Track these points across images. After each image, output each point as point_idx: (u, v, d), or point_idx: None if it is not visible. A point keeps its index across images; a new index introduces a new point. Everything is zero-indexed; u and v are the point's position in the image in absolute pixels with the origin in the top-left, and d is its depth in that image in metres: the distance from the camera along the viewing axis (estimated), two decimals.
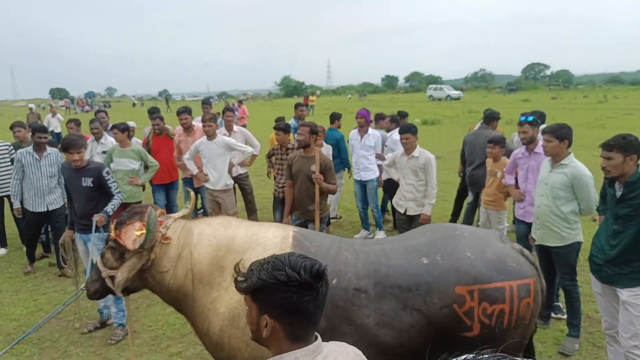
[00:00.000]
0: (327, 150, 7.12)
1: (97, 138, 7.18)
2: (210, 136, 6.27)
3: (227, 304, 2.57)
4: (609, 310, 3.57)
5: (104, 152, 7.13)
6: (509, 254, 2.56)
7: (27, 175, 6.01)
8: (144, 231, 2.67)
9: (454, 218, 8.16)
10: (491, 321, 2.46)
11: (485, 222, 6.21)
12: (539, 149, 5.03)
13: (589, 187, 3.94)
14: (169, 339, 4.72)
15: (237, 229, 2.74)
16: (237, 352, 2.56)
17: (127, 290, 2.87)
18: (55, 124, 14.44)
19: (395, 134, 7.39)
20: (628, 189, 3.26)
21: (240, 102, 20.84)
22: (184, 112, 7.22)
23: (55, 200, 6.20)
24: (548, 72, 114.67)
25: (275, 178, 6.66)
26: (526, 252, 2.66)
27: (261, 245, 2.64)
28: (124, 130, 6.59)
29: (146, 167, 6.70)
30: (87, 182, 4.66)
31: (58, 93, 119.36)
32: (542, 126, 5.54)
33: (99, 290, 2.89)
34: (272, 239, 2.67)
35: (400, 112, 9.32)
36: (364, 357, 1.52)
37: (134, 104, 57.39)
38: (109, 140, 7.18)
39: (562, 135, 4.00)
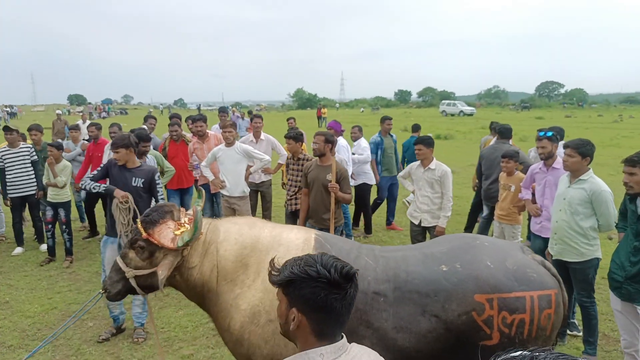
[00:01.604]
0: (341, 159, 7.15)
1: None
2: (229, 143, 6.32)
3: (249, 301, 2.61)
4: (628, 328, 3.53)
5: None
6: (529, 264, 2.56)
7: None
8: (186, 229, 2.73)
9: (467, 232, 8.12)
10: (511, 330, 2.45)
11: (499, 236, 6.16)
12: (557, 164, 5.01)
13: (608, 203, 3.92)
14: (181, 341, 4.74)
15: (261, 229, 2.79)
16: (257, 348, 2.59)
17: (147, 289, 2.89)
18: (86, 131, 13.72)
19: (363, 142, 8.06)
20: None
21: (250, 112, 20.66)
22: (199, 119, 7.30)
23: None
24: (562, 91, 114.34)
25: (287, 190, 6.62)
26: (547, 263, 2.65)
27: (284, 245, 2.68)
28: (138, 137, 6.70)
29: (162, 173, 6.78)
30: (138, 182, 4.62)
31: (76, 99, 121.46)
32: (561, 142, 5.52)
33: (122, 291, 2.91)
34: (294, 240, 2.71)
35: (414, 125, 9.77)
36: None
37: (149, 112, 58.10)
38: None
39: (585, 152, 3.99)
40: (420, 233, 5.90)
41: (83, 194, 7.82)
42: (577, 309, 4.48)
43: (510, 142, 7.82)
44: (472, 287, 2.46)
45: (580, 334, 4.54)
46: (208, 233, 2.79)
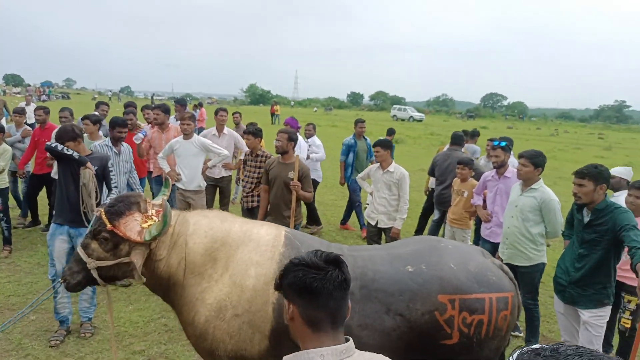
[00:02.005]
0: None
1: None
2: (187, 135, 6.18)
3: (215, 295, 2.58)
4: (569, 329, 3.77)
5: None
6: (490, 267, 2.68)
7: None
8: (154, 222, 2.65)
9: (417, 234, 8.37)
10: (470, 330, 2.55)
11: (450, 239, 6.40)
12: (509, 172, 5.28)
13: (556, 211, 4.17)
14: (132, 336, 4.59)
15: (232, 224, 2.77)
16: (220, 343, 2.57)
17: (109, 280, 2.79)
18: (30, 113, 10.86)
19: (316, 140, 8.57)
20: (595, 215, 3.48)
21: (199, 105, 20.17)
22: (158, 107, 7.08)
23: None
24: (505, 103, 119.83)
25: (243, 186, 6.54)
26: (505, 267, 2.79)
27: (254, 241, 2.67)
28: (95, 122, 6.42)
29: None
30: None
31: (12, 79, 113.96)
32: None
33: (82, 282, 2.79)
34: (265, 236, 2.71)
35: (389, 129, 10.84)
36: None
37: (93, 98, 55.43)
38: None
39: (538, 162, 4.23)
40: (376, 234, 6.02)
41: (22, 186, 7.37)
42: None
43: (462, 149, 8.16)
44: (436, 287, 2.55)
45: (522, 334, 4.80)
46: (177, 225, 2.73)
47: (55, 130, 5.43)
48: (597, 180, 3.43)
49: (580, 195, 3.50)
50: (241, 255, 2.61)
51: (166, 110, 7.03)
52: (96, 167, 4.48)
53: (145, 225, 2.65)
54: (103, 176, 4.56)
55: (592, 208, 3.51)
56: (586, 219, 3.56)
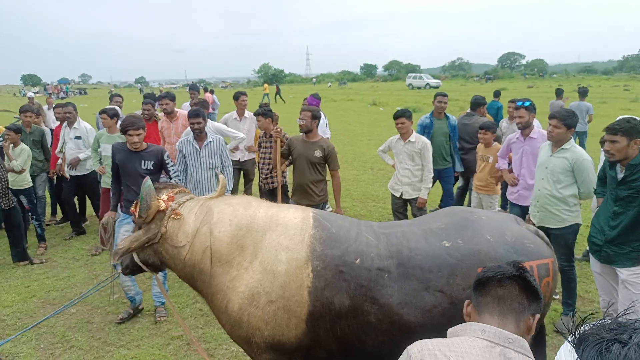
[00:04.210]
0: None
1: (70, 123, 7.03)
2: None
3: (246, 282, 2.56)
4: (607, 289, 3.69)
5: (77, 138, 6.99)
6: (526, 235, 2.60)
7: (187, 167, 5.37)
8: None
9: (443, 203, 8.29)
10: None
11: (477, 206, 6.31)
12: (534, 133, 5.13)
13: (589, 171, 4.04)
14: (169, 323, 4.69)
15: (257, 209, 2.74)
16: (257, 330, 2.56)
17: (151, 267, 2.93)
18: (52, 117, 9.87)
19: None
20: (630, 171, 3.35)
21: (208, 90, 19.82)
22: (165, 97, 7.05)
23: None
24: (523, 62, 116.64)
25: (260, 168, 6.52)
26: (541, 233, 2.70)
27: (282, 225, 2.64)
28: (113, 116, 6.47)
29: None
30: (148, 165, 4.60)
31: (30, 79, 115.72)
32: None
33: (129, 265, 2.97)
34: (292, 219, 2.67)
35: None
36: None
37: (110, 91, 55.95)
38: (82, 125, 7.06)
39: (570, 123, 4.08)
40: (401, 205, 5.98)
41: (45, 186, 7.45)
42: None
43: (481, 113, 7.97)
44: (475, 261, 2.48)
45: (557, 297, 4.73)
46: (199, 213, 2.75)
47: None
48: (630, 134, 3.29)
49: (614, 152, 3.36)
50: (269, 241, 2.59)
51: (173, 98, 7.03)
52: (153, 162, 4.64)
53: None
54: (160, 169, 4.72)
55: (625, 164, 3.38)
56: (620, 176, 3.44)
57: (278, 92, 36.44)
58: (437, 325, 2.42)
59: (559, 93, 13.20)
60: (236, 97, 7.49)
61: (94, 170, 7.01)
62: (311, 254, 2.53)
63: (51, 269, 6.05)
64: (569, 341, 0.90)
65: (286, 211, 2.75)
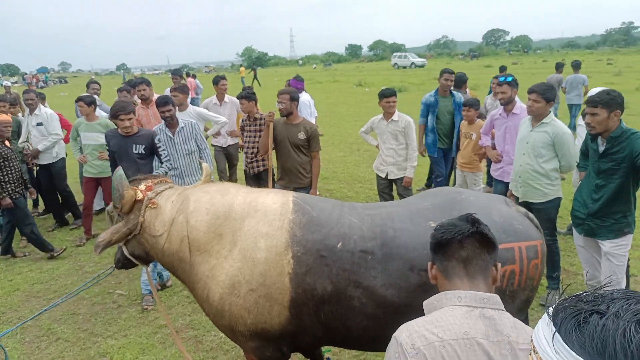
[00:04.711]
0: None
1: (32, 110, 6.88)
2: (180, 106, 6.06)
3: (226, 271, 2.51)
4: (590, 261, 3.73)
5: (38, 124, 6.85)
6: (515, 216, 2.54)
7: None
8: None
9: (429, 182, 8.31)
10: (502, 282, 2.41)
11: (462, 184, 6.33)
12: (517, 109, 5.12)
13: (569, 144, 4.05)
14: (156, 311, 4.66)
15: (235, 196, 2.68)
16: (239, 319, 2.53)
17: (140, 259, 2.94)
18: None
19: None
20: (611, 143, 3.35)
21: (190, 75, 19.43)
22: (142, 82, 6.91)
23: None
24: (508, 38, 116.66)
25: (245, 152, 6.44)
26: (531, 215, 2.64)
27: (260, 211, 2.58)
28: (90, 104, 6.35)
29: None
30: (139, 149, 4.70)
31: (8, 69, 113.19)
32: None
33: (120, 259, 2.99)
34: (271, 205, 2.61)
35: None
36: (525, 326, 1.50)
37: (91, 79, 55.06)
38: (43, 112, 6.93)
39: (549, 97, 4.07)
40: (387, 186, 5.96)
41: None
42: None
43: (467, 90, 7.97)
44: None
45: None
46: (175, 202, 2.73)
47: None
48: (610, 106, 3.28)
49: (594, 124, 3.35)
50: (248, 228, 2.54)
51: (149, 84, 6.90)
52: (144, 146, 4.74)
53: None
54: (151, 152, 4.83)
55: (607, 136, 3.38)
56: (601, 148, 3.44)
57: (255, 76, 36.32)
58: (421, 305, 2.41)
59: (558, 67, 13.25)
60: (215, 81, 7.37)
61: (63, 158, 6.93)
62: (291, 240, 2.48)
63: (34, 261, 5.96)
64: (548, 313, 0.88)
65: (265, 196, 2.69)
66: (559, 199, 4.25)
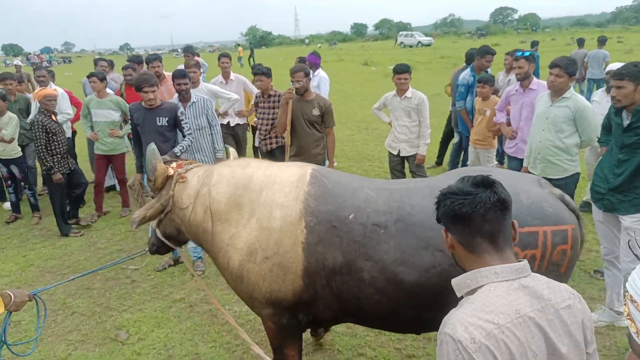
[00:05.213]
0: None
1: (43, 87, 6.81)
2: (194, 83, 5.99)
3: (245, 240, 2.60)
4: (609, 237, 3.68)
5: None
6: (546, 198, 2.41)
7: None
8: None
9: (439, 160, 8.25)
10: None
11: (475, 161, 6.27)
12: (534, 84, 5.02)
13: (590, 118, 3.97)
14: (170, 286, 4.68)
15: (255, 169, 2.76)
16: (255, 286, 2.61)
17: (172, 240, 3.02)
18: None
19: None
20: (637, 117, 3.26)
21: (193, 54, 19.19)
22: (155, 59, 6.83)
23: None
24: (516, 16, 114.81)
25: (257, 130, 6.36)
26: (567, 197, 2.50)
27: (278, 183, 2.64)
28: (102, 80, 6.32)
29: (125, 120, 6.45)
30: (163, 121, 4.72)
31: (12, 49, 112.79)
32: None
33: (155, 242, 3.10)
34: (289, 177, 2.66)
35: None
36: (582, 300, 1.44)
37: (95, 58, 54.70)
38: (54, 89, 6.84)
39: (572, 71, 3.97)
40: (399, 163, 5.91)
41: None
42: None
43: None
44: None
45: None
46: (201, 176, 2.85)
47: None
48: (637, 79, 3.18)
49: (620, 97, 3.26)
50: (265, 199, 2.61)
51: (161, 60, 6.85)
52: (167, 118, 4.74)
53: None
54: (174, 125, 4.82)
55: (632, 110, 3.29)
56: (626, 122, 3.35)
57: (252, 55, 36.25)
58: (434, 286, 2.31)
59: (580, 42, 13.52)
60: (218, 59, 7.29)
61: (68, 138, 6.90)
62: (305, 210, 2.51)
63: (47, 237, 5.99)
64: None
65: (285, 169, 2.74)
66: (578, 174, 4.20)
